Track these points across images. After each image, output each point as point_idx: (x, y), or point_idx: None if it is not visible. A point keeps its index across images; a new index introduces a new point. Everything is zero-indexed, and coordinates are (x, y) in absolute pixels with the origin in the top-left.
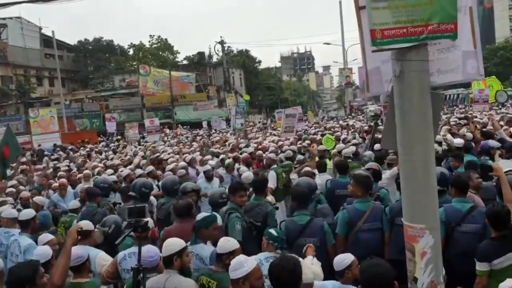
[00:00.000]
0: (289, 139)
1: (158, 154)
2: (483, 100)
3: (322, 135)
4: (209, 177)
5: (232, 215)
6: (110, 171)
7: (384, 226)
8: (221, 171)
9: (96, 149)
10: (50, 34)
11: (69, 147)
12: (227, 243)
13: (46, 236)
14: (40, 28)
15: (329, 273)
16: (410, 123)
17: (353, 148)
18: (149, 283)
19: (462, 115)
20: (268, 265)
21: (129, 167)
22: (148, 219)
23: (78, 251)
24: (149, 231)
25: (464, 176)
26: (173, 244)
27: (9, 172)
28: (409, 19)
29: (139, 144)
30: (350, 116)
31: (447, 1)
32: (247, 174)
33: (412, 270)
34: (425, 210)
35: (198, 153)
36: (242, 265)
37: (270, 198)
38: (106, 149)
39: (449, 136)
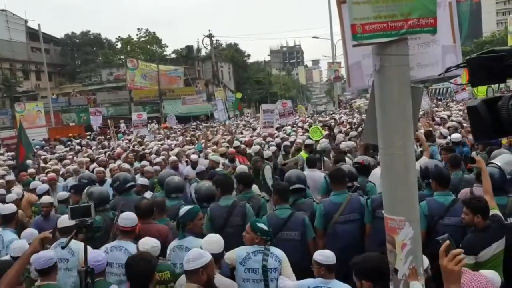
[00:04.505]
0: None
1: (143, 147)
2: (461, 89)
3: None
4: (194, 166)
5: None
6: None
7: (365, 218)
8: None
9: (84, 143)
10: (36, 27)
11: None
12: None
13: (31, 234)
14: (26, 21)
15: (309, 267)
16: (390, 117)
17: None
18: None
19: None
20: (257, 259)
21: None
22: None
23: (49, 253)
24: (92, 231)
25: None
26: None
27: None
28: (389, 14)
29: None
30: (339, 110)
31: None
32: (243, 167)
33: (393, 262)
34: (404, 202)
35: (186, 147)
36: (202, 255)
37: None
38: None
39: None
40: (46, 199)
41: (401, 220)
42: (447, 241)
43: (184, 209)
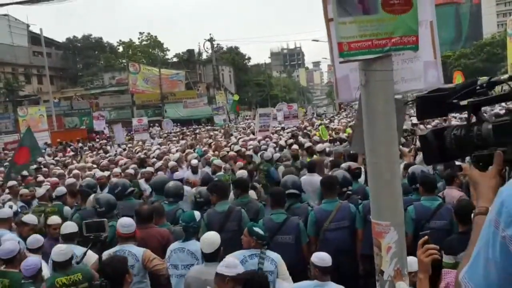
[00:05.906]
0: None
1: (145, 151)
2: None
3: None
4: (195, 171)
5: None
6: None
7: (357, 223)
8: (207, 169)
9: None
10: (38, 31)
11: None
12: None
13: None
14: (28, 26)
15: (303, 270)
16: (376, 129)
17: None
18: None
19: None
20: (253, 262)
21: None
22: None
23: (11, 245)
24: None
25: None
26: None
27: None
28: (374, 33)
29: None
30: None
31: (409, 16)
32: (242, 172)
33: (379, 264)
34: (390, 208)
35: (186, 151)
36: (236, 265)
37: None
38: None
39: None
40: (54, 219)
41: (386, 224)
42: (426, 236)
43: (198, 215)
